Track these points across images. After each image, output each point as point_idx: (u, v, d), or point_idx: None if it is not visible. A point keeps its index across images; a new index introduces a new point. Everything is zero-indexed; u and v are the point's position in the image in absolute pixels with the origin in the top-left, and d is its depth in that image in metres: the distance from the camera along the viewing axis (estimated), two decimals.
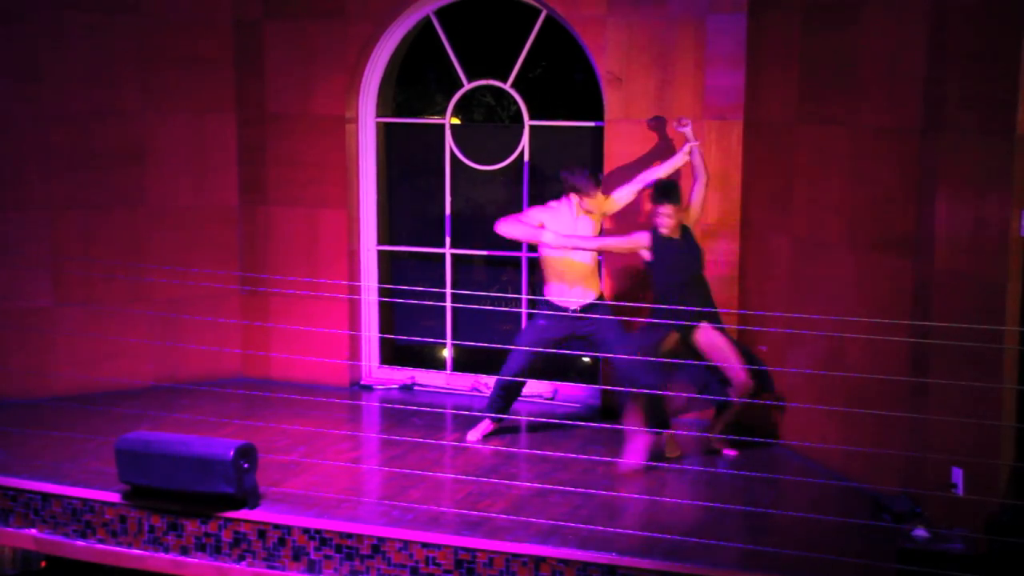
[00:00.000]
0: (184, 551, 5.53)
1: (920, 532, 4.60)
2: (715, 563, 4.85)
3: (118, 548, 5.65)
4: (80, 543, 5.72)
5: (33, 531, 5.83)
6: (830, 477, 5.92)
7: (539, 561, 4.98)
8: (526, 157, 7.66)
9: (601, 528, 5.18)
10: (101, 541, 5.69)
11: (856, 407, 5.59)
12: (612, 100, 7.10)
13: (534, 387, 7.27)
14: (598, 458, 6.26)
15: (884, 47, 5.66)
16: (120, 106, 7.59)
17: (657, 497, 5.62)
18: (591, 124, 7.43)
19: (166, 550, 5.56)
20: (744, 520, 5.42)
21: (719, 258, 6.98)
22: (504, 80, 7.64)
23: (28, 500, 5.82)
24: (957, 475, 5.09)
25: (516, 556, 5.01)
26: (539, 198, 7.65)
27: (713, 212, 6.95)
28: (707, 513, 5.43)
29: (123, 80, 7.58)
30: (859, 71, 5.82)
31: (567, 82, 7.82)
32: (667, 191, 6.18)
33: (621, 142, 7.11)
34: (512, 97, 7.67)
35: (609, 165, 7.14)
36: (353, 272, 7.82)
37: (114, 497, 5.64)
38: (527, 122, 7.62)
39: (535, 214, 6.56)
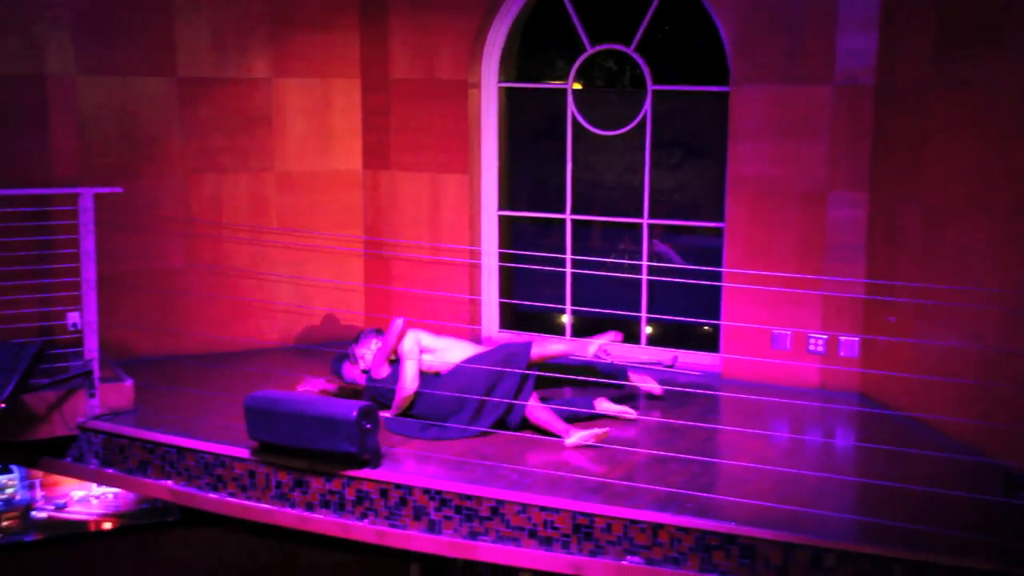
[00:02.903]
0: (309, 507, 5.69)
1: None
2: (838, 536, 4.77)
3: (247, 502, 5.84)
4: (212, 496, 5.93)
5: (169, 483, 6.06)
6: (962, 452, 5.75)
7: (657, 528, 4.97)
8: (648, 122, 7.57)
9: (720, 496, 5.14)
10: (231, 495, 5.88)
11: (990, 381, 5.41)
12: (738, 65, 6.96)
13: (655, 355, 7.22)
14: (719, 426, 6.21)
15: None
16: (249, 72, 7.76)
17: (779, 467, 5.54)
18: (716, 89, 7.30)
19: (292, 506, 5.73)
20: (869, 493, 5.31)
21: (845, 226, 6.81)
22: (627, 44, 7.55)
23: (164, 453, 6.05)
24: None
25: (634, 522, 5.01)
26: (660, 165, 7.58)
27: (841, 179, 6.78)
28: (830, 485, 5.33)
29: (252, 47, 7.74)
30: (999, 32, 5.59)
31: (691, 46, 7.69)
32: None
33: (747, 107, 6.97)
34: (635, 62, 7.58)
35: (733, 130, 7.02)
36: (474, 237, 7.88)
37: (243, 453, 5.82)
38: (650, 87, 7.53)
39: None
